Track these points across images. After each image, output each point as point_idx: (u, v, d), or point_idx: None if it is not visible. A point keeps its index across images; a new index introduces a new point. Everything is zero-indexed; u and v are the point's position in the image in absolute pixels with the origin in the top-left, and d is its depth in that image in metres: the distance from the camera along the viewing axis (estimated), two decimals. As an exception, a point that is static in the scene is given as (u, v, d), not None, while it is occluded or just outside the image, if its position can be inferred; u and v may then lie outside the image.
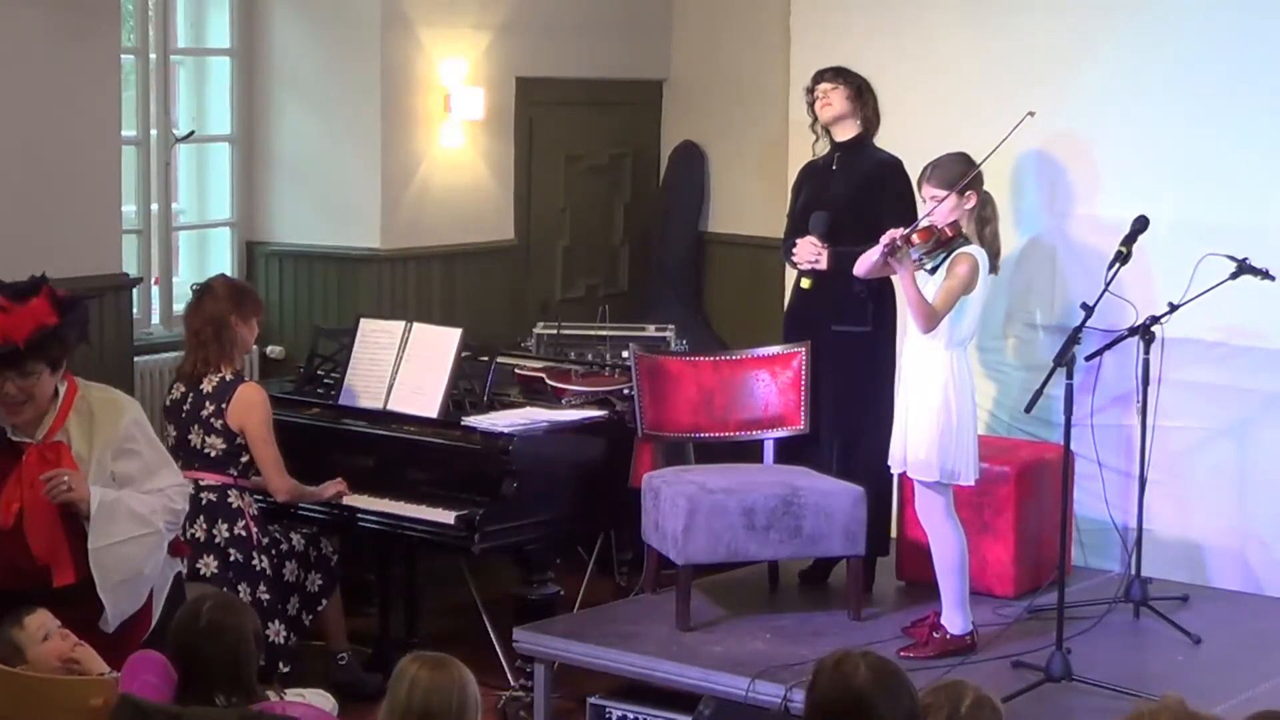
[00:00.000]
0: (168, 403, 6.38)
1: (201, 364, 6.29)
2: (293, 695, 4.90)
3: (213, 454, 6.24)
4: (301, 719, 4.44)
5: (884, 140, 6.77)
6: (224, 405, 6.23)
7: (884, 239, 5.84)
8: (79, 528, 5.19)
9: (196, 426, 6.25)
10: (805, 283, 6.62)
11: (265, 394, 6.38)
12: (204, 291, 6.43)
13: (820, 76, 6.75)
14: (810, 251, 6.55)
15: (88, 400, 5.35)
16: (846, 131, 6.72)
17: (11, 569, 5.09)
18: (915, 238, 5.87)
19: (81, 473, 5.23)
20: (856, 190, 6.64)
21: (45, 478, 5.15)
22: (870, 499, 6.38)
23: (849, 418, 6.64)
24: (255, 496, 6.37)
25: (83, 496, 5.18)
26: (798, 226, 6.78)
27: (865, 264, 6.04)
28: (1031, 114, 5.93)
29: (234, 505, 6.23)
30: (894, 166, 6.65)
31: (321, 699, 5.06)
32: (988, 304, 7.03)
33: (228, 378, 6.28)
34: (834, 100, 6.69)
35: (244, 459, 6.29)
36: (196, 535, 6.15)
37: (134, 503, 5.28)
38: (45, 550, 5.12)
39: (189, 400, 6.28)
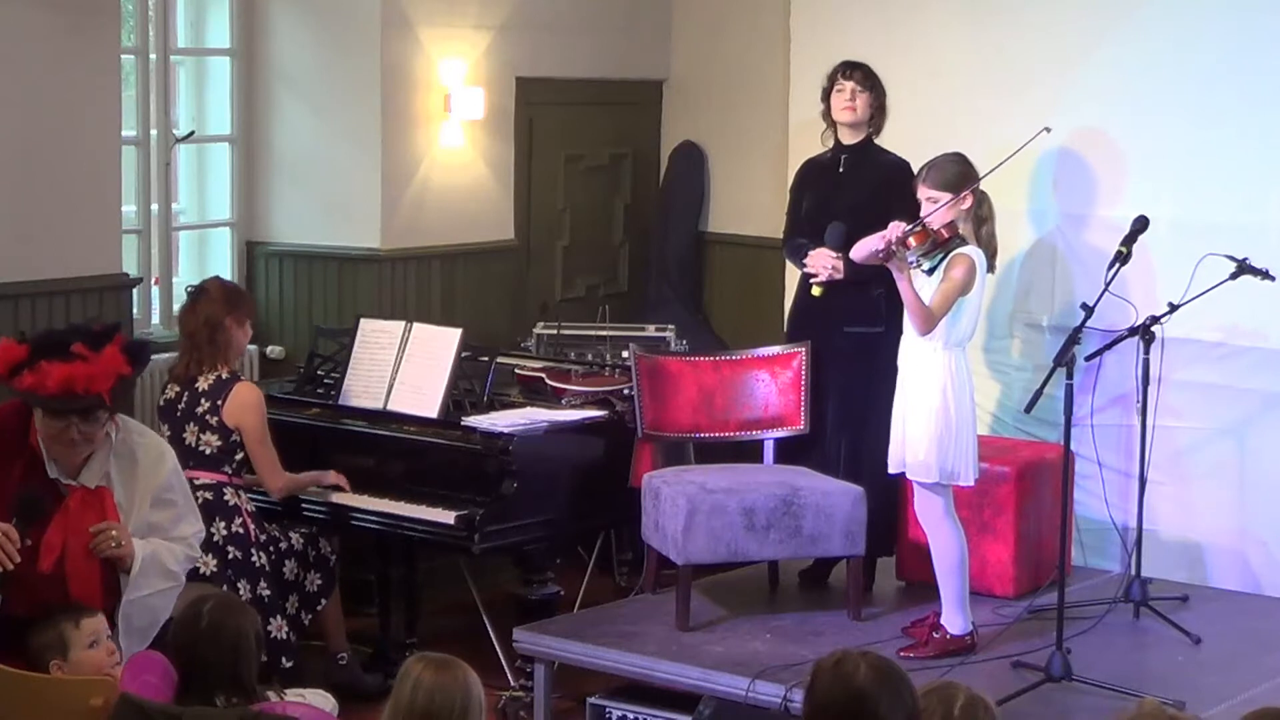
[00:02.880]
0: (161, 402, 6.37)
1: (195, 365, 6.29)
2: (293, 695, 4.90)
3: (208, 451, 6.24)
4: (301, 719, 4.44)
5: (884, 140, 6.76)
6: (220, 402, 6.23)
7: (890, 233, 5.82)
8: (113, 578, 5.15)
9: (191, 424, 6.25)
10: (816, 290, 6.53)
11: (260, 393, 6.38)
12: (198, 293, 6.43)
13: (850, 74, 6.64)
14: (826, 263, 6.51)
15: (129, 443, 5.25)
16: (857, 135, 6.70)
17: (44, 611, 5.06)
18: (911, 240, 5.86)
19: (125, 524, 5.20)
20: (867, 195, 6.60)
21: (95, 530, 5.08)
22: (877, 499, 6.38)
23: (856, 417, 6.63)
24: (250, 494, 6.37)
25: (129, 553, 5.10)
26: (802, 227, 6.76)
27: (864, 251, 6.02)
28: (1048, 130, 5.93)
29: (230, 503, 6.23)
30: (903, 169, 6.58)
31: (322, 699, 5.05)
32: (990, 304, 7.06)
33: (223, 376, 6.29)
34: (859, 106, 6.62)
35: (239, 456, 6.29)
36: (195, 535, 6.14)
37: (166, 558, 5.21)
38: (82, 597, 5.08)
39: (184, 399, 6.28)
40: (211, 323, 6.31)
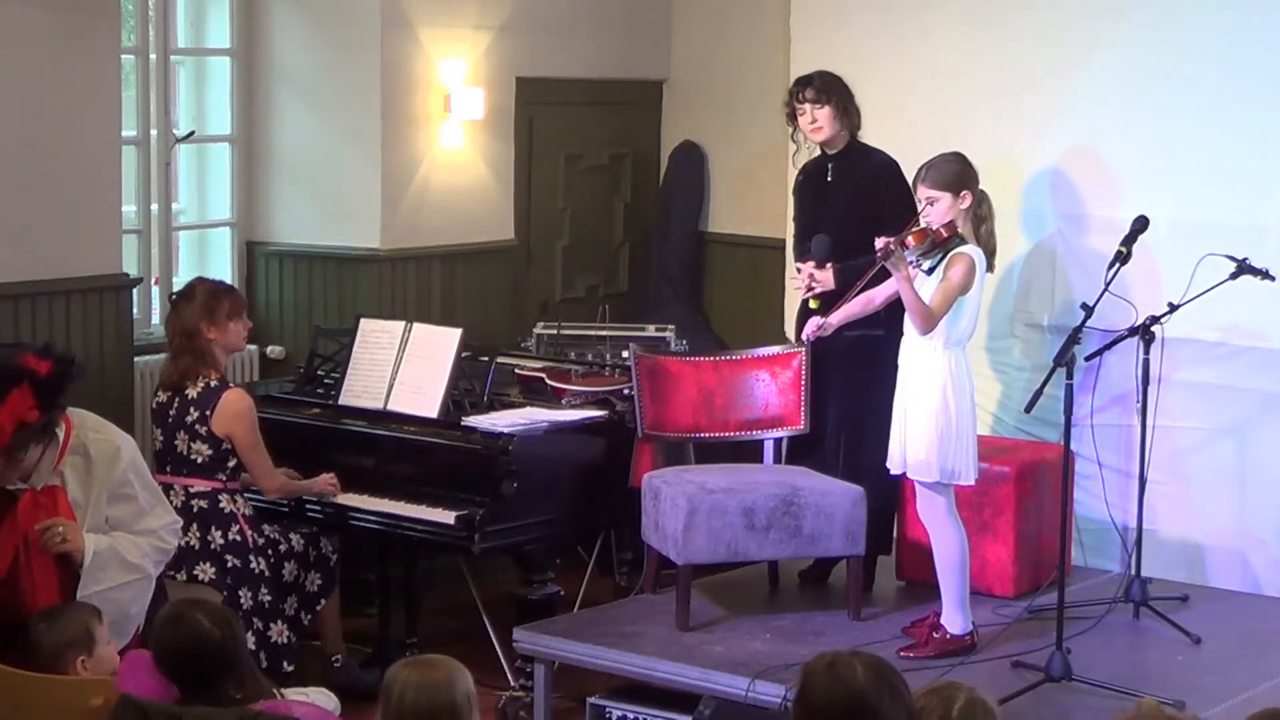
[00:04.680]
0: (154, 404, 6.35)
1: (188, 371, 6.24)
2: (296, 694, 4.88)
3: (200, 460, 6.22)
4: (303, 718, 4.43)
5: (882, 141, 6.75)
6: (208, 412, 6.19)
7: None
8: (73, 574, 5.15)
9: (182, 433, 6.22)
10: (813, 304, 6.55)
11: (250, 400, 6.33)
12: (178, 299, 6.40)
13: (802, 95, 6.60)
14: (807, 280, 6.53)
15: (83, 441, 5.25)
16: (837, 144, 6.68)
17: (7, 613, 5.06)
18: (910, 240, 5.87)
19: (76, 521, 5.17)
20: (855, 200, 6.60)
21: (41, 528, 5.08)
22: (876, 499, 6.37)
23: (856, 418, 6.63)
24: (248, 496, 6.37)
25: (77, 548, 5.12)
26: (804, 233, 6.77)
27: (877, 299, 6.04)
28: (930, 204, 5.94)
29: (226, 510, 6.21)
30: (890, 168, 6.61)
31: (325, 698, 5.04)
32: (990, 304, 7.06)
33: (212, 384, 6.24)
34: (822, 122, 6.59)
35: (231, 463, 6.26)
36: (191, 543, 6.11)
37: (126, 550, 5.22)
38: (41, 597, 5.08)
39: (174, 405, 6.25)
40: (186, 330, 6.25)
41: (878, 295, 6.11)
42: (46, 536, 5.08)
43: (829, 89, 6.60)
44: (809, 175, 6.82)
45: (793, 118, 6.68)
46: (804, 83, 6.65)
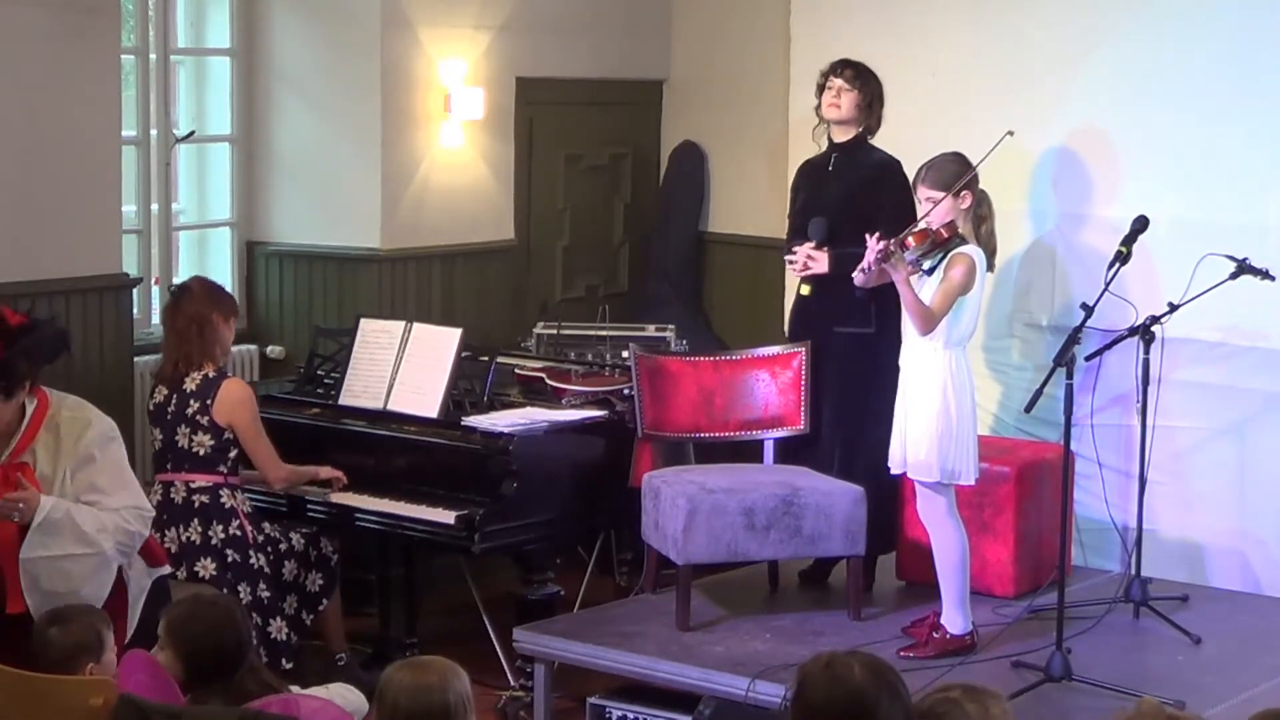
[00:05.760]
0: (151, 406, 6.34)
1: (184, 363, 6.25)
2: (319, 691, 4.84)
3: (201, 452, 6.22)
4: (312, 716, 4.40)
5: (883, 140, 6.75)
6: (209, 402, 6.20)
7: (875, 246, 5.81)
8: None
9: (183, 426, 6.22)
10: (805, 289, 6.59)
11: (250, 389, 6.37)
12: (181, 292, 6.41)
13: (840, 72, 6.64)
14: (804, 258, 6.55)
15: (57, 419, 5.29)
16: (846, 133, 6.70)
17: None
18: (911, 240, 5.87)
19: (37, 495, 5.17)
20: (853, 192, 6.62)
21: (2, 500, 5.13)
22: (872, 497, 6.38)
23: (850, 417, 6.64)
24: (248, 494, 6.37)
25: (32, 512, 5.15)
26: (797, 229, 6.77)
27: (862, 276, 6.00)
28: (1010, 133, 5.93)
29: (226, 505, 6.21)
30: (891, 167, 6.63)
31: (349, 693, 5.01)
32: (990, 304, 7.06)
33: (210, 374, 6.25)
34: (844, 103, 6.62)
35: (232, 454, 6.27)
36: (192, 538, 6.13)
37: (82, 520, 5.20)
38: (7, 572, 5.09)
39: (173, 401, 6.25)
40: (199, 319, 6.27)
41: None
42: (2, 509, 5.10)
43: (866, 78, 6.65)
44: (810, 168, 6.84)
45: (820, 92, 6.69)
46: (845, 63, 6.68)
